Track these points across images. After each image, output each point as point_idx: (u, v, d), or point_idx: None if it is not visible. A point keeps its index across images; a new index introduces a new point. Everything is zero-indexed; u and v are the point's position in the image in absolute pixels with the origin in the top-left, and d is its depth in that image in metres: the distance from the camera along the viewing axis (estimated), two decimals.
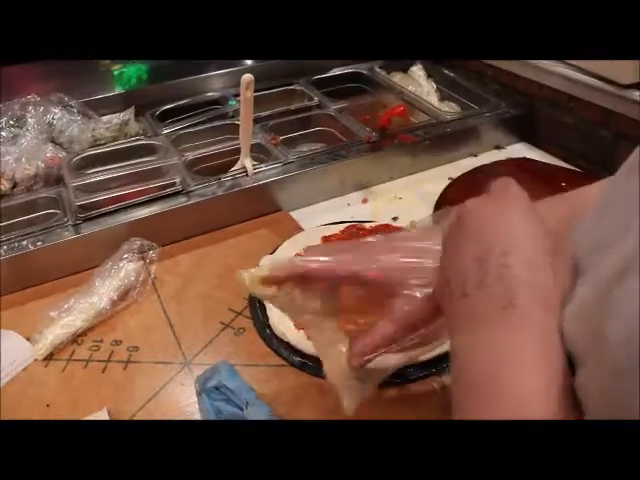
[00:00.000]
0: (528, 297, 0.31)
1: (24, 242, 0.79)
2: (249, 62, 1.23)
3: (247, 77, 0.82)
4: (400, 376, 0.64)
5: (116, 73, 1.19)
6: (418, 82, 1.21)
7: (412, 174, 1.02)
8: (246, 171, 0.91)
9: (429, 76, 1.23)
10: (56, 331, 0.70)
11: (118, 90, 1.12)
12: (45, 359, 0.69)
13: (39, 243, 0.78)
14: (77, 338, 0.72)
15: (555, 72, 1.03)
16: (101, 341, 0.72)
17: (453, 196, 0.91)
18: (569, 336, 0.30)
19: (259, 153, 0.97)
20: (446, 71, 1.23)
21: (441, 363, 0.65)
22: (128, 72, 1.20)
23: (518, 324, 0.31)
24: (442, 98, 1.19)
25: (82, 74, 1.17)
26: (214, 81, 1.16)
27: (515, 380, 0.29)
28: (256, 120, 0.99)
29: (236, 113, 1.07)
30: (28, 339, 0.71)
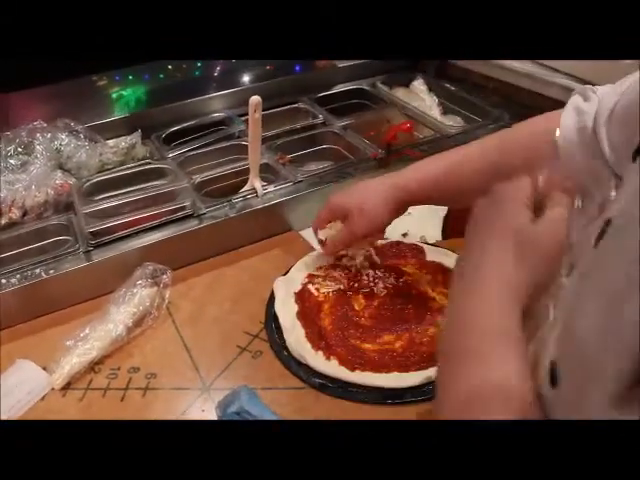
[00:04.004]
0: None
1: (37, 270, 0.78)
2: (252, 82, 1.24)
3: (255, 99, 0.82)
4: (395, 397, 0.65)
5: (114, 96, 1.19)
6: (420, 96, 1.22)
7: None
8: (256, 192, 0.91)
9: (430, 90, 1.24)
10: (73, 360, 0.70)
11: (123, 113, 1.12)
12: (63, 389, 0.69)
13: (52, 271, 0.78)
14: (94, 366, 0.71)
15: (555, 83, 1.04)
16: (118, 369, 0.71)
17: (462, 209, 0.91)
18: None
19: (267, 173, 0.97)
20: (447, 85, 1.24)
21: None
22: (128, 95, 1.20)
23: None
24: (445, 112, 1.20)
25: (86, 98, 1.17)
26: (218, 102, 1.16)
27: None
28: (262, 140, 0.99)
29: (242, 133, 1.07)
30: (44, 368, 0.70)
